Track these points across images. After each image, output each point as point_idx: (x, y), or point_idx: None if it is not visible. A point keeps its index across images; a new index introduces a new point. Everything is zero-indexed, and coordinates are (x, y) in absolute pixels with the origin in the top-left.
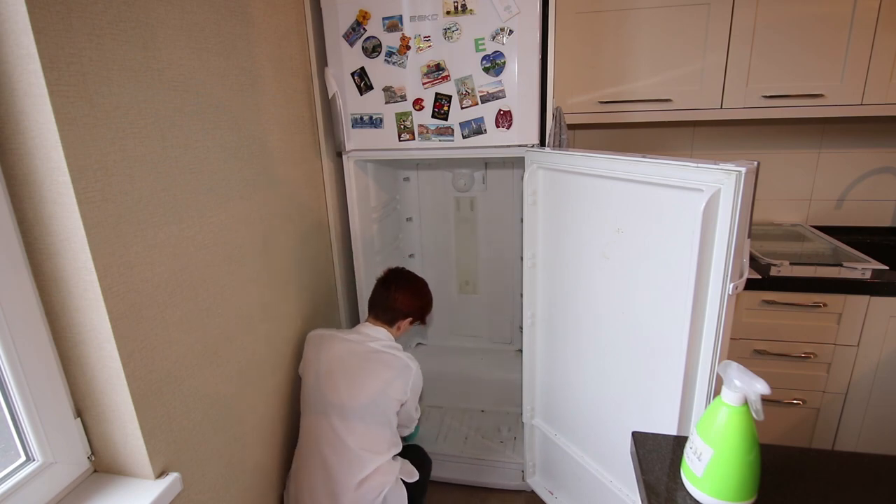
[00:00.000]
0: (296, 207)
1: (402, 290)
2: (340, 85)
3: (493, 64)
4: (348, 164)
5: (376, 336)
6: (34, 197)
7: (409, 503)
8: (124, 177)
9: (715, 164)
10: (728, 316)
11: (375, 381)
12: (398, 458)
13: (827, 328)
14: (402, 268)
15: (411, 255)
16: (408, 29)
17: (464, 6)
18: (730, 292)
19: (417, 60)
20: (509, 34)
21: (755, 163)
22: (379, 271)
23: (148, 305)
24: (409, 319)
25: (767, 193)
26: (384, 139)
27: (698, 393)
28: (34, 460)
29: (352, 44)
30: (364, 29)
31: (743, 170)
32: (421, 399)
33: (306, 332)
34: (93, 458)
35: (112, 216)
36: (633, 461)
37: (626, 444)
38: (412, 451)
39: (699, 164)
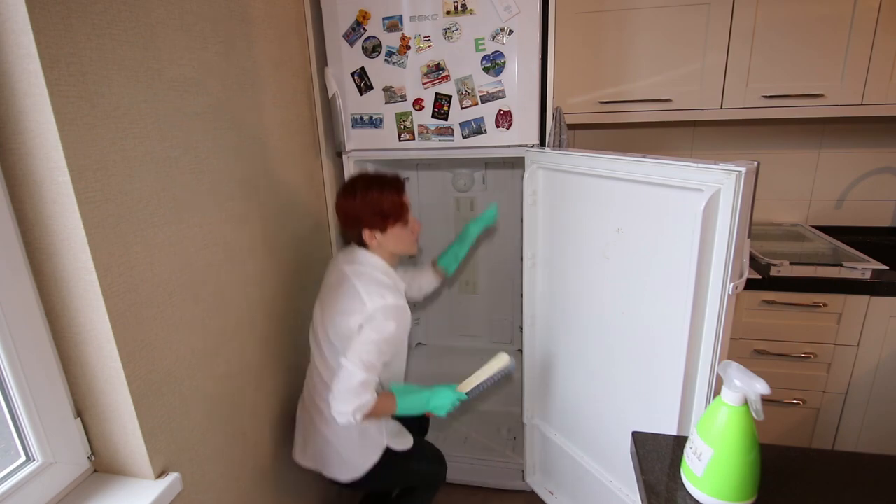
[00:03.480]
0: (296, 207)
1: (341, 196)
2: (340, 85)
3: (493, 64)
4: (348, 164)
5: (352, 258)
6: (34, 197)
7: (400, 494)
8: (124, 177)
9: (715, 164)
10: (728, 316)
11: (334, 306)
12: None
13: (827, 328)
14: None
15: (411, 256)
16: (408, 29)
17: (464, 6)
18: (730, 292)
19: (417, 60)
20: (509, 34)
21: (755, 163)
22: None
23: (148, 305)
24: (368, 231)
25: (767, 193)
26: (384, 139)
27: (698, 393)
28: (34, 460)
29: (352, 44)
30: (364, 29)
31: (743, 170)
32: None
33: (306, 331)
34: (93, 458)
35: (112, 216)
36: (633, 461)
37: (626, 443)
38: (431, 450)
39: (699, 164)
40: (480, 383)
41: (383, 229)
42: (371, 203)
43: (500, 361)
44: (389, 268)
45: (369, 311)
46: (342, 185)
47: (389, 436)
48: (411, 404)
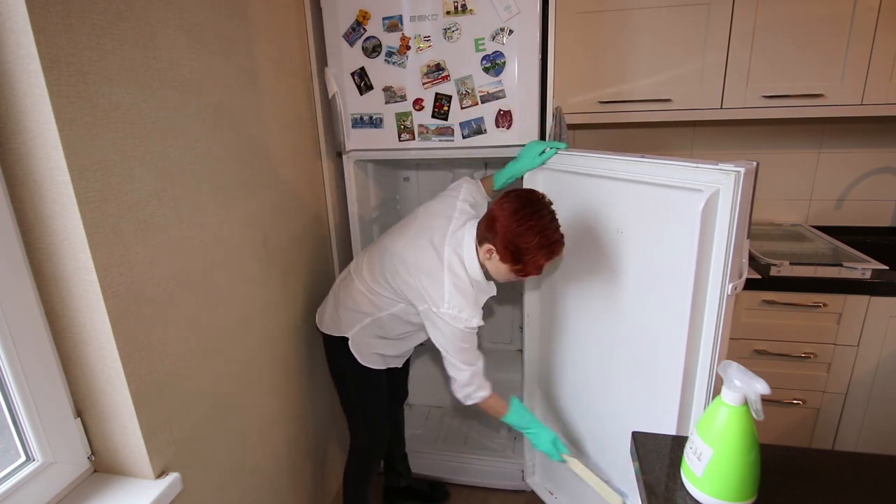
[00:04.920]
0: (296, 207)
1: (507, 205)
2: (340, 85)
3: (493, 64)
4: (348, 164)
5: (460, 239)
6: (34, 197)
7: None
8: (124, 177)
9: (714, 164)
10: (727, 316)
11: (418, 259)
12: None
13: (827, 328)
14: (543, 196)
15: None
16: (408, 29)
17: (464, 6)
18: (729, 293)
19: (417, 60)
20: (509, 34)
21: (754, 163)
22: None
23: (148, 305)
24: (491, 248)
25: (767, 193)
26: (384, 139)
27: (698, 393)
28: (34, 460)
29: (352, 44)
30: (364, 29)
31: (742, 170)
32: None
33: (306, 331)
34: (93, 458)
35: (112, 216)
36: (633, 461)
37: (626, 444)
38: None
39: (698, 165)
40: (581, 475)
41: (502, 260)
42: (522, 245)
43: (612, 497)
44: (481, 278)
45: (442, 311)
46: (533, 194)
47: (358, 343)
48: (518, 421)
